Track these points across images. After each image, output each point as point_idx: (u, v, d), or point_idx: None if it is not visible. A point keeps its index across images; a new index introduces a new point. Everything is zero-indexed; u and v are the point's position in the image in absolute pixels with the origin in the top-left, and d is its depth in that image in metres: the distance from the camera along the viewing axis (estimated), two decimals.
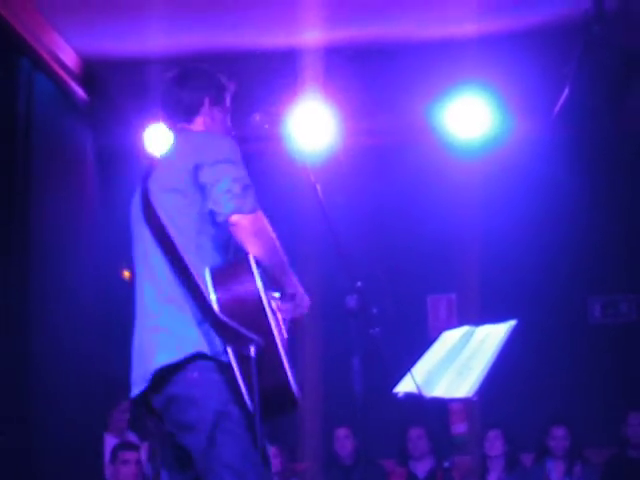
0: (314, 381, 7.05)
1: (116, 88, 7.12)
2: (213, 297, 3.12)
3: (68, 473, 6.30)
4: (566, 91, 7.18)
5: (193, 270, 3.21)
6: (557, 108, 7.53)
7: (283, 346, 3.22)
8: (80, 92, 6.96)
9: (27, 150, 6.10)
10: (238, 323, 3.08)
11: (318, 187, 3.63)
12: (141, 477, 6.70)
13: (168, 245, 3.28)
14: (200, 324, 3.18)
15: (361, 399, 3.78)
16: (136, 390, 3.34)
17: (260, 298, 3.12)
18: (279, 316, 3.34)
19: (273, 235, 3.29)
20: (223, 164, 3.26)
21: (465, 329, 4.45)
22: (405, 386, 4.21)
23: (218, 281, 3.16)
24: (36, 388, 5.98)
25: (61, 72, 6.58)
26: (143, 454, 6.91)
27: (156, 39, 6.19)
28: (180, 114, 3.58)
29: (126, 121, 7.35)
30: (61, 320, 6.43)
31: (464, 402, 4.78)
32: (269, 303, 3.24)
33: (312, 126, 6.91)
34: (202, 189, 3.27)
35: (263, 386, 3.07)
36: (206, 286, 3.18)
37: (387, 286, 4.04)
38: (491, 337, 4.25)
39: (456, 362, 4.27)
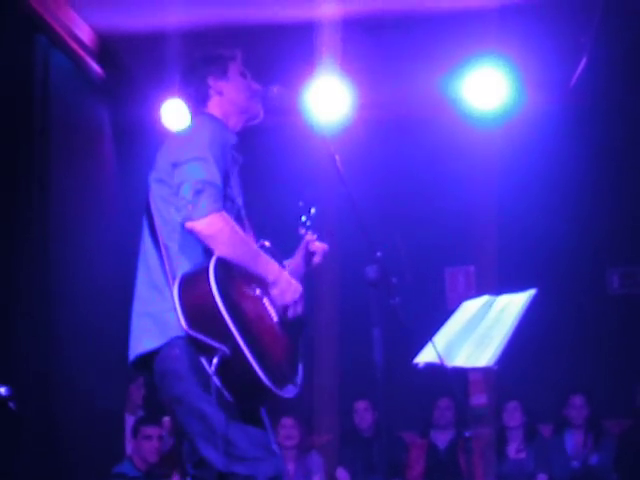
0: (334, 353, 7.07)
1: (132, 63, 7.12)
2: (179, 310, 3.18)
3: (90, 449, 6.36)
4: (583, 62, 7.14)
5: (173, 259, 3.36)
6: (574, 79, 7.49)
7: (267, 331, 3.30)
8: (96, 68, 6.97)
9: (45, 127, 6.13)
10: (204, 332, 3.15)
11: (337, 158, 3.62)
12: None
13: (155, 233, 3.44)
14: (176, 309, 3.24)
15: (382, 370, 3.76)
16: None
17: (214, 304, 3.13)
18: (266, 302, 3.38)
19: (236, 232, 3.31)
20: (190, 163, 3.32)
21: (485, 298, 4.43)
22: (425, 356, 4.20)
23: (183, 293, 3.21)
24: (58, 363, 6.03)
25: (77, 48, 6.59)
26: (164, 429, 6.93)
27: (172, 13, 6.18)
28: (197, 105, 3.69)
29: (143, 96, 7.36)
30: (81, 295, 6.48)
31: (484, 372, 4.78)
32: (251, 292, 3.31)
33: (329, 98, 6.90)
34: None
35: (235, 386, 3.18)
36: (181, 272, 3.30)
37: (405, 258, 4.00)
38: (511, 306, 4.24)
39: (476, 331, 4.24)
